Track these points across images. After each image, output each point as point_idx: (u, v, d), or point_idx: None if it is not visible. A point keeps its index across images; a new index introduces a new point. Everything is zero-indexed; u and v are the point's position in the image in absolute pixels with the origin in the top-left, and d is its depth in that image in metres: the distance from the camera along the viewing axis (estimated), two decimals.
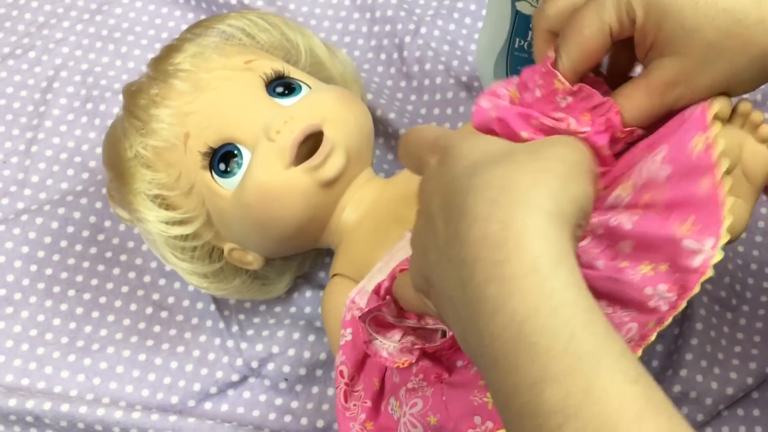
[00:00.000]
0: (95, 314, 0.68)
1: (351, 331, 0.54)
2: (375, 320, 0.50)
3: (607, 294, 0.43)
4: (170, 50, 0.61)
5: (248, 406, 0.65)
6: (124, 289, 0.69)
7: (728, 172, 0.42)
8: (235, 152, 0.58)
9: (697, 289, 0.41)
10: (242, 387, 0.65)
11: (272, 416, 0.64)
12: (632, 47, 0.46)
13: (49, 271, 0.69)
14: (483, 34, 0.71)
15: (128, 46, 0.79)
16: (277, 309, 0.68)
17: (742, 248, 0.69)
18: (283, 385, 0.65)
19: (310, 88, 0.61)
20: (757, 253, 0.68)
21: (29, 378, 0.65)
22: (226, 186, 0.58)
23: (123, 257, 0.70)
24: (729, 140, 0.44)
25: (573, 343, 0.32)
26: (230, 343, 0.66)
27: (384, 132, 0.72)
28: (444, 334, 0.50)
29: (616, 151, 0.46)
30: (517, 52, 0.66)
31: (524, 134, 0.46)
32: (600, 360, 0.32)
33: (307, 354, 0.65)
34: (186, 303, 0.68)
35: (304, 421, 0.64)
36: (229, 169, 0.58)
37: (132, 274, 0.69)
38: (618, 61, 0.50)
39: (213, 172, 0.58)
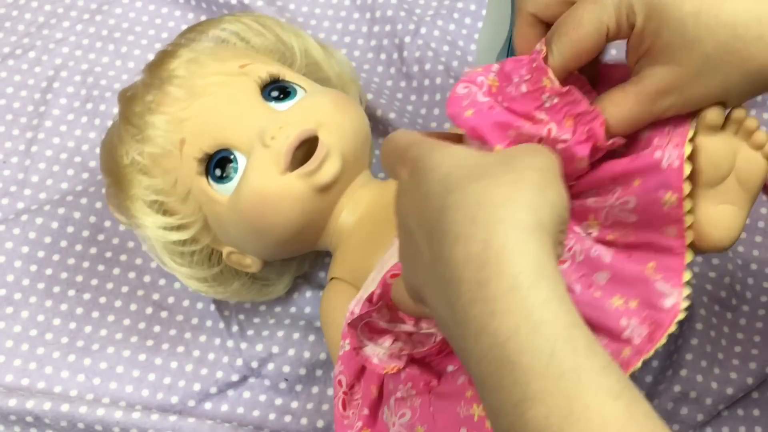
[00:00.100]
0: (95, 314, 0.68)
1: (349, 341, 0.54)
2: (368, 326, 0.50)
3: (583, 318, 0.44)
4: (165, 56, 0.61)
5: (248, 406, 0.65)
6: (124, 289, 0.69)
7: (717, 184, 0.44)
8: (231, 158, 0.58)
9: (673, 328, 0.44)
10: (242, 387, 0.65)
11: (272, 416, 0.64)
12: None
13: (49, 271, 0.69)
14: (483, 34, 0.71)
15: (128, 46, 0.79)
16: (277, 309, 0.68)
17: (742, 248, 0.69)
18: (283, 385, 0.65)
19: (305, 91, 0.61)
20: (757, 253, 0.68)
21: (29, 378, 0.65)
22: (222, 191, 0.58)
23: (123, 257, 0.70)
24: (722, 148, 0.45)
25: (554, 360, 0.32)
26: (230, 343, 0.66)
27: (384, 132, 0.72)
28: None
29: (593, 159, 0.46)
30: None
31: (499, 147, 0.45)
32: (581, 377, 0.32)
33: (307, 354, 0.65)
34: (186, 303, 0.68)
35: (304, 421, 0.64)
36: (225, 175, 0.58)
37: (132, 274, 0.69)
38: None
39: (209, 178, 0.58)
